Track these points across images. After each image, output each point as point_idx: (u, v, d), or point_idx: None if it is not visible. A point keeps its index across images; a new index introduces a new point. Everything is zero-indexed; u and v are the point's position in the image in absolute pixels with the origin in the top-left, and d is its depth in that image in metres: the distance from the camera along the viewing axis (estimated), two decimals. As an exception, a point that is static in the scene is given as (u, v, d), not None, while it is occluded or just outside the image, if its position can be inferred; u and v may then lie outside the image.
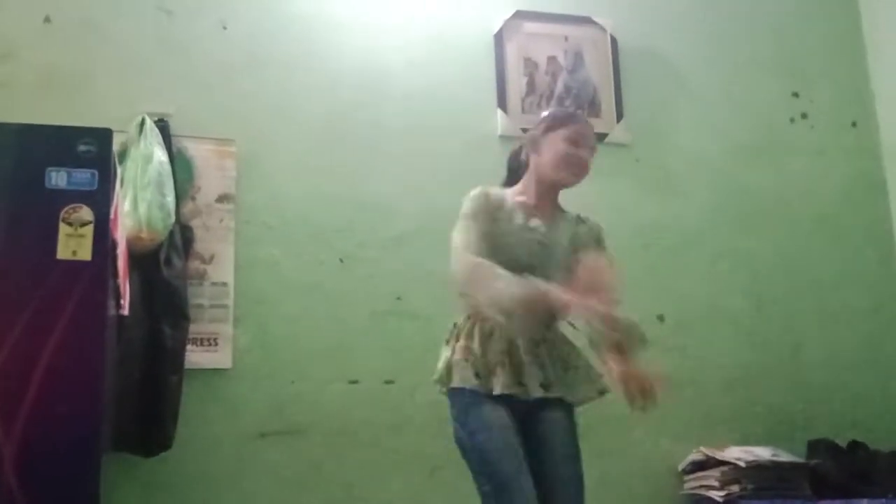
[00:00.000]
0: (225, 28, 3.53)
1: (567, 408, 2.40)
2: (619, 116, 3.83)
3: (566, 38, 3.89)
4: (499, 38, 3.80)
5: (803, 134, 4.06)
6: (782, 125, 4.05)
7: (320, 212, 3.45)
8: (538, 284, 2.20)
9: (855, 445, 3.52)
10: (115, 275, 2.49)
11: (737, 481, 3.22)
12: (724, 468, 3.27)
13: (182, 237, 3.18)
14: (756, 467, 3.23)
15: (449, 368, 2.33)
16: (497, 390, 2.25)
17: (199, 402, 3.14)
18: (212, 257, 3.28)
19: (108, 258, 2.31)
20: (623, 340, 2.29)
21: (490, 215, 2.39)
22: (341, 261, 3.43)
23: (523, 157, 2.56)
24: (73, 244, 2.23)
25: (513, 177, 2.60)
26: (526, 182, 2.52)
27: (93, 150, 2.30)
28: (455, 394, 2.31)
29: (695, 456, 3.41)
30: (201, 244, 3.27)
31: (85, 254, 2.23)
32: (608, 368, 2.37)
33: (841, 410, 3.70)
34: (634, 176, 3.77)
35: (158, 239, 3.04)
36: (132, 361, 2.95)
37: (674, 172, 3.87)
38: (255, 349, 3.27)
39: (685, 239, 3.80)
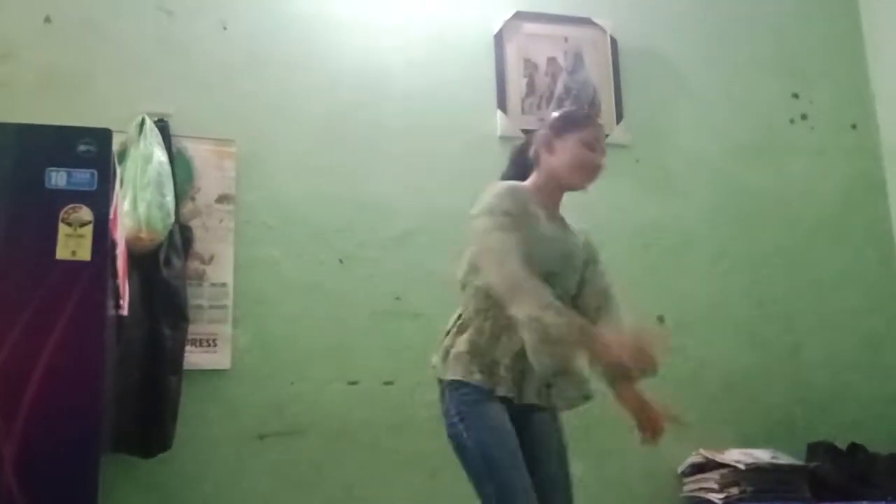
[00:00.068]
0: (225, 28, 3.53)
1: (553, 410, 2.40)
2: (619, 117, 3.83)
3: (566, 39, 3.89)
4: (499, 39, 3.80)
5: (803, 135, 4.07)
6: (782, 126, 4.06)
7: (320, 212, 3.45)
8: (587, 327, 2.16)
9: (854, 448, 3.52)
10: (115, 275, 2.49)
11: (736, 484, 3.22)
12: (724, 470, 3.27)
13: (181, 237, 3.18)
14: (755, 470, 3.23)
15: (449, 358, 2.29)
16: (500, 391, 2.24)
17: (199, 402, 3.14)
18: (211, 258, 3.28)
19: (107, 258, 2.31)
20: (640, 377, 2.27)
21: (525, 217, 2.30)
22: (341, 261, 3.43)
23: (531, 154, 2.50)
24: (73, 244, 2.23)
25: (517, 173, 2.51)
26: (537, 182, 2.45)
27: (92, 151, 2.29)
28: (454, 386, 2.26)
29: (694, 458, 3.41)
30: (201, 244, 3.27)
31: (84, 254, 2.23)
32: (620, 397, 2.34)
33: (841, 412, 3.71)
34: (634, 177, 3.77)
35: (158, 239, 3.04)
36: (131, 362, 2.95)
37: (674, 173, 3.87)
38: (255, 350, 3.27)
39: (685, 239, 3.80)
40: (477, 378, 2.24)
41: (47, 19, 3.36)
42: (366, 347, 3.36)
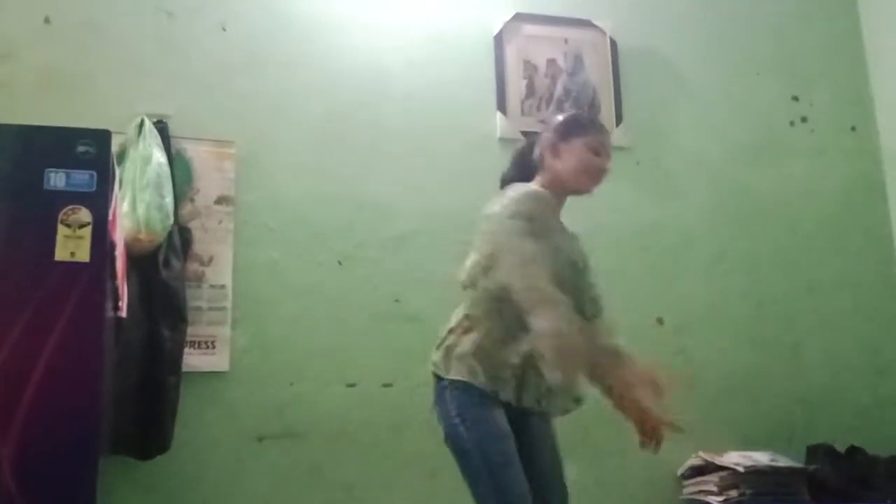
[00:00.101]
0: (224, 29, 3.53)
1: (546, 415, 2.41)
2: (619, 119, 3.83)
3: (566, 41, 3.89)
4: (498, 41, 3.79)
5: (803, 137, 4.07)
6: (782, 128, 4.06)
7: (319, 213, 3.45)
8: (611, 350, 2.18)
9: (854, 451, 3.51)
10: (114, 276, 2.49)
11: (735, 486, 3.22)
12: (723, 473, 3.27)
13: (181, 239, 3.17)
14: (755, 472, 3.23)
15: (452, 357, 2.27)
16: (502, 396, 2.24)
17: (197, 404, 3.14)
18: (210, 259, 3.27)
19: (106, 260, 2.30)
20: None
21: (549, 226, 2.30)
22: (340, 262, 3.43)
23: (535, 156, 2.50)
24: (72, 245, 2.23)
25: (520, 176, 2.49)
26: (542, 186, 2.43)
27: (91, 152, 2.29)
28: (455, 386, 2.25)
29: (694, 461, 3.41)
30: (200, 246, 3.27)
31: (83, 255, 2.23)
32: (619, 405, 2.33)
33: (840, 415, 3.71)
34: (634, 178, 3.76)
35: (157, 240, 3.04)
36: (130, 363, 2.94)
37: (673, 175, 3.87)
38: (254, 351, 3.26)
39: (685, 241, 3.80)
40: (480, 380, 2.23)
41: (47, 20, 3.35)
42: (365, 349, 3.35)
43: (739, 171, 3.94)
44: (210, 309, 3.23)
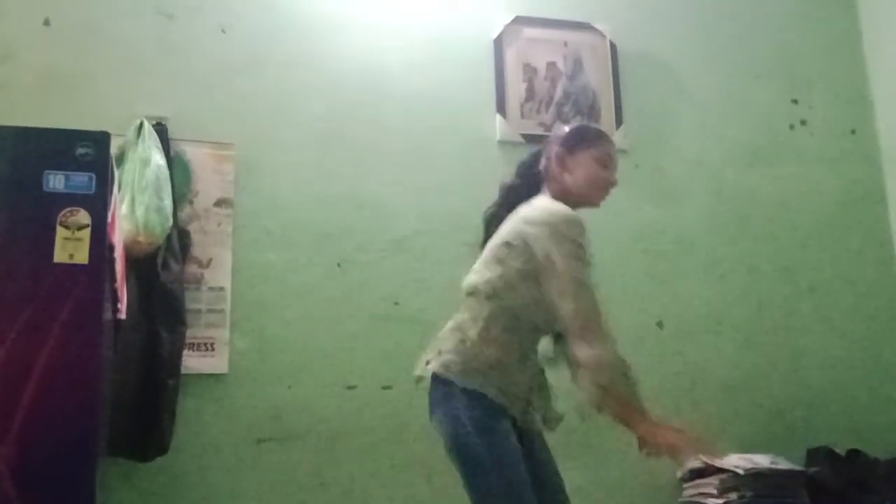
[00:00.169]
0: (223, 31, 3.52)
1: (540, 429, 2.41)
2: (619, 122, 3.82)
3: (565, 44, 3.89)
4: (498, 44, 3.79)
5: (803, 140, 4.07)
6: (782, 131, 4.06)
7: (318, 215, 3.44)
8: (641, 401, 2.15)
9: (854, 453, 3.51)
10: (113, 279, 2.48)
11: (735, 489, 3.21)
12: (723, 476, 3.26)
13: (179, 241, 3.17)
14: (755, 475, 3.23)
15: (470, 366, 2.22)
16: (511, 411, 2.23)
17: (196, 407, 3.14)
18: (209, 261, 3.27)
19: (105, 262, 2.30)
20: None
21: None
22: (339, 265, 3.42)
23: (541, 168, 2.48)
24: (71, 247, 2.22)
25: (528, 188, 2.47)
26: (552, 198, 2.40)
27: (90, 154, 2.28)
28: (468, 395, 2.20)
29: (693, 463, 3.40)
30: (199, 248, 3.26)
31: (82, 257, 2.22)
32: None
33: (840, 418, 3.70)
34: (634, 181, 3.75)
35: (156, 243, 3.03)
36: (129, 365, 2.94)
37: (673, 178, 3.87)
38: (252, 354, 3.26)
39: (684, 244, 3.80)
40: (493, 392, 2.21)
41: (46, 22, 3.35)
42: (364, 351, 3.35)
43: (739, 174, 3.94)
44: (209, 311, 3.23)
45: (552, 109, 3.77)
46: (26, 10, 3.34)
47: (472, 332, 2.27)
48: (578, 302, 2.16)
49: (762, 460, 3.32)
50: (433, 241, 3.47)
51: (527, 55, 3.83)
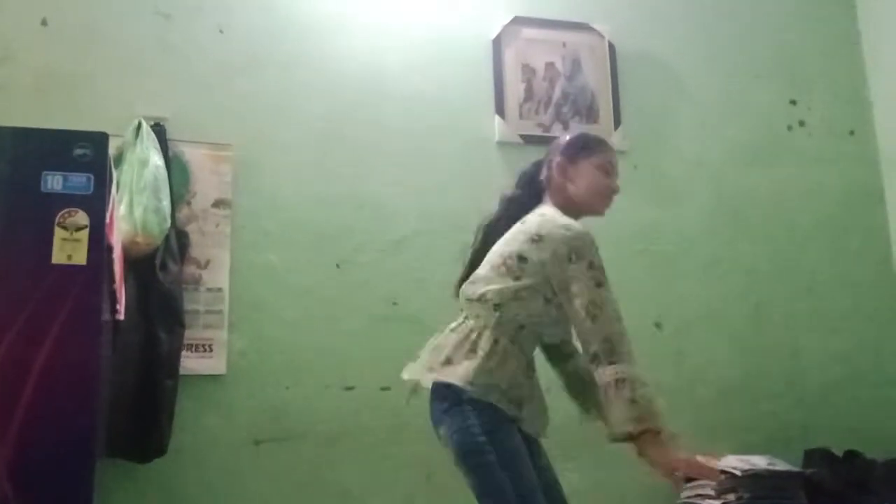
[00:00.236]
0: (222, 32, 3.52)
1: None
2: (617, 123, 3.82)
3: (564, 45, 3.89)
4: (497, 44, 3.79)
5: (801, 141, 4.07)
6: (780, 132, 4.06)
7: (317, 216, 3.44)
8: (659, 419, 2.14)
9: (851, 454, 3.51)
10: (111, 280, 2.48)
11: (733, 490, 3.21)
12: (721, 477, 3.26)
13: (178, 242, 3.16)
14: (752, 476, 3.22)
15: (482, 377, 2.20)
16: (519, 420, 2.23)
17: (195, 407, 3.13)
18: (207, 262, 3.27)
19: (103, 263, 2.30)
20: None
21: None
22: (338, 265, 3.42)
23: (543, 178, 2.48)
24: (69, 248, 2.22)
25: (531, 197, 2.47)
26: (556, 208, 2.40)
27: (89, 154, 2.28)
28: (480, 404, 2.18)
29: (691, 464, 3.40)
30: (197, 249, 3.26)
31: (80, 258, 2.22)
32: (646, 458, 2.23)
33: (838, 419, 3.71)
34: (632, 182, 3.72)
35: (154, 243, 3.03)
36: (127, 366, 2.94)
37: (672, 178, 3.88)
38: (251, 355, 3.26)
39: (682, 245, 3.80)
40: (503, 401, 2.20)
41: (44, 22, 3.35)
42: (363, 352, 3.35)
43: (738, 174, 3.95)
44: (207, 312, 3.22)
45: (551, 110, 3.77)
46: (24, 10, 3.34)
47: (482, 342, 2.25)
48: (598, 326, 2.16)
49: (760, 461, 3.31)
50: (432, 241, 3.47)
51: (525, 56, 3.83)
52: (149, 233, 2.98)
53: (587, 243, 2.24)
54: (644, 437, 2.11)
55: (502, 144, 3.66)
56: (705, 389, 3.63)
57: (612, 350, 2.14)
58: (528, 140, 3.64)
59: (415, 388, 2.34)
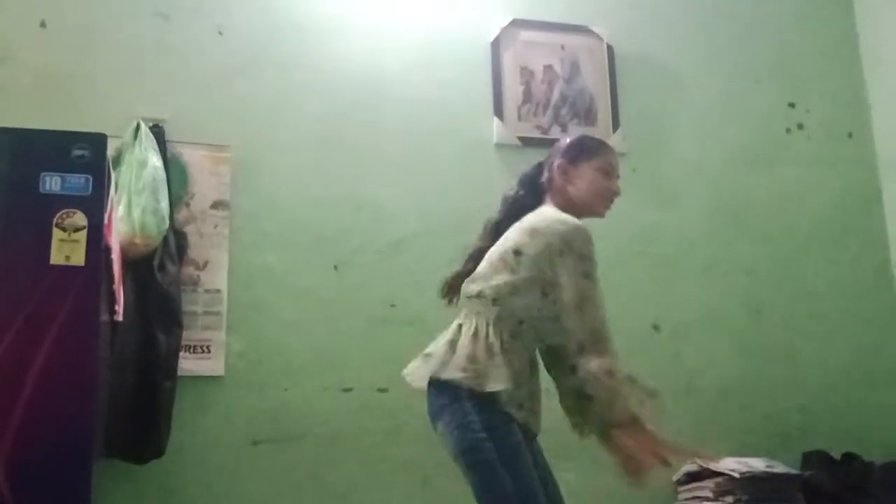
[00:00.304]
0: (221, 33, 3.52)
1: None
2: (616, 126, 3.83)
3: (563, 47, 3.89)
4: (495, 46, 3.79)
5: (799, 144, 4.08)
6: (779, 135, 4.07)
7: (315, 217, 3.44)
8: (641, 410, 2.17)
9: (849, 457, 3.52)
10: (110, 280, 2.48)
11: (731, 492, 3.21)
12: (719, 479, 3.26)
13: (176, 243, 3.16)
14: (750, 478, 3.23)
15: (487, 374, 2.20)
16: (519, 418, 2.23)
17: (192, 409, 3.13)
18: (205, 264, 3.27)
19: (101, 264, 2.30)
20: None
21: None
22: (336, 267, 3.42)
23: (544, 180, 2.49)
24: (67, 249, 2.22)
25: (533, 199, 2.48)
26: (556, 210, 2.41)
27: (87, 156, 2.28)
28: (480, 399, 2.18)
29: (689, 467, 3.40)
30: (195, 250, 3.26)
31: (78, 259, 2.22)
32: (606, 445, 2.29)
33: (836, 421, 3.70)
34: (631, 185, 3.69)
35: (152, 244, 3.03)
36: (126, 367, 2.94)
37: (670, 181, 3.88)
38: (249, 356, 3.26)
39: (681, 247, 3.80)
40: (504, 398, 2.20)
41: (43, 23, 3.35)
42: (360, 354, 3.35)
43: (736, 177, 3.95)
44: (205, 313, 3.22)
45: (549, 112, 3.77)
46: (23, 11, 3.34)
47: (482, 337, 2.26)
48: (585, 317, 2.18)
49: (758, 464, 3.32)
50: (431, 243, 3.47)
51: (524, 58, 3.83)
52: (147, 234, 2.98)
53: (581, 237, 2.26)
54: (632, 426, 2.16)
55: (501, 146, 3.66)
56: (703, 391, 3.63)
57: (598, 341, 2.17)
58: (527, 142, 3.64)
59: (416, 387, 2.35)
